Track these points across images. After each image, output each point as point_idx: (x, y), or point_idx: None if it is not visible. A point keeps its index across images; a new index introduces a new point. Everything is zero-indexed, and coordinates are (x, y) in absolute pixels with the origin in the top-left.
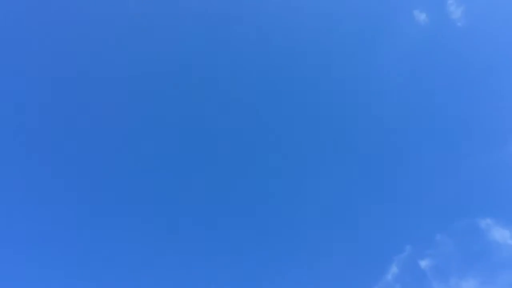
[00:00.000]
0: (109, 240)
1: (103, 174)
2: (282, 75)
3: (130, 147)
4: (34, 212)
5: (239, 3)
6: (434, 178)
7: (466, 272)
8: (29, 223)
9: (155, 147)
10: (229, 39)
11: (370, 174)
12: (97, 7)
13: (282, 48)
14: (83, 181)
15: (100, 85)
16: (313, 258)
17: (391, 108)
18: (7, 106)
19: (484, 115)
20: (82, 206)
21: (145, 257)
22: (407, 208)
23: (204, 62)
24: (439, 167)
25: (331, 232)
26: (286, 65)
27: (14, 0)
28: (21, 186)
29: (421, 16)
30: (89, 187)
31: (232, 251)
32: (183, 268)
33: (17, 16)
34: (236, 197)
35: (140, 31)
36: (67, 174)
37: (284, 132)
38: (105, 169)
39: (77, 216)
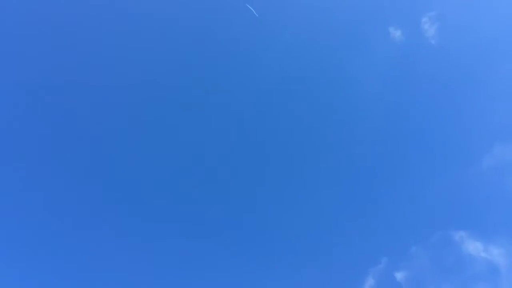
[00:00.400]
0: (109, 240)
1: (103, 174)
2: (263, 88)
3: (128, 147)
4: (34, 212)
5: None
6: (408, 192)
7: (441, 284)
8: (30, 223)
9: (155, 147)
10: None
11: (345, 190)
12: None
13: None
14: (83, 181)
15: (101, 85)
16: (290, 270)
17: (367, 123)
18: (7, 106)
19: (458, 131)
20: (83, 206)
21: (144, 257)
22: (382, 220)
23: (199, 63)
24: (413, 181)
25: (306, 245)
26: (265, 73)
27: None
28: (21, 186)
29: (397, 33)
30: (89, 187)
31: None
32: (184, 268)
33: (17, 16)
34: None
35: (140, 31)
36: (67, 174)
37: (266, 144)
38: (105, 169)
39: (78, 216)
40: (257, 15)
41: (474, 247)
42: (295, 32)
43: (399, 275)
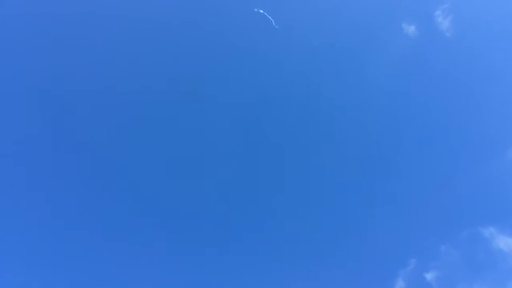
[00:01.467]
0: (109, 240)
1: (103, 174)
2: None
3: (127, 148)
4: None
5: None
6: (434, 189)
7: (473, 283)
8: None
9: (155, 147)
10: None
11: (371, 190)
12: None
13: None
14: (83, 181)
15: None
16: (318, 274)
17: (388, 119)
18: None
19: (480, 123)
20: (83, 206)
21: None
22: (409, 220)
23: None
24: (438, 177)
25: (335, 248)
26: (279, 72)
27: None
28: (21, 186)
29: (410, 29)
30: (89, 187)
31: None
32: (184, 268)
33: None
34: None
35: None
36: (66, 174)
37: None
38: (105, 169)
39: (78, 216)
40: (276, 26)
41: (504, 243)
42: (310, 31)
43: (429, 276)
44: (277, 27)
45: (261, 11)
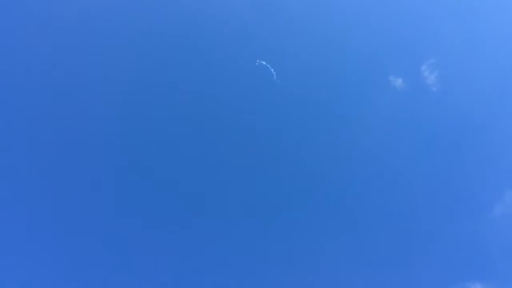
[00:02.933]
0: (109, 240)
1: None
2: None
3: (127, 148)
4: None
5: None
6: (421, 244)
7: None
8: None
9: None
10: None
11: (358, 246)
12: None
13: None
14: (84, 181)
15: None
16: None
17: (375, 173)
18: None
19: (467, 179)
20: (83, 206)
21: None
22: (398, 277)
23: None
24: (425, 232)
25: None
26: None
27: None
28: (20, 186)
29: (397, 82)
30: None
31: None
32: (184, 268)
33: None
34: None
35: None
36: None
37: None
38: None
39: (79, 216)
40: (275, 78)
41: None
42: (298, 84)
43: None
44: (278, 81)
45: (264, 63)
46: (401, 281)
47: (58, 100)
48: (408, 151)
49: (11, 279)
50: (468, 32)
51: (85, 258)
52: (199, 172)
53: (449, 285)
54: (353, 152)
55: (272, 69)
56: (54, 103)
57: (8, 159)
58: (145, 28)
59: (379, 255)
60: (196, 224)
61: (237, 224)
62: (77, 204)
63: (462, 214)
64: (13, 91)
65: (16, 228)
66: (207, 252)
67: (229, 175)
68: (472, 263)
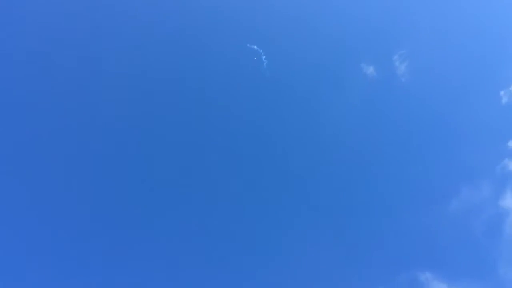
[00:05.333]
0: (109, 240)
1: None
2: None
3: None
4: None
5: None
6: (374, 233)
7: None
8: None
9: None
10: None
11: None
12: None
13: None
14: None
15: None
16: None
17: (339, 162)
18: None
19: (426, 170)
20: (84, 206)
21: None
22: (347, 260)
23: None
24: (380, 222)
25: None
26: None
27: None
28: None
29: (369, 69)
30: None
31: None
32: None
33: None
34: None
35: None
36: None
37: None
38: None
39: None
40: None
41: None
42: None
43: None
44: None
45: (255, 47)
46: (354, 268)
47: (58, 100)
48: (370, 139)
49: (11, 279)
50: (440, 26)
51: (85, 258)
52: (189, 165)
53: (401, 273)
54: (320, 136)
55: (263, 56)
56: (54, 103)
57: (8, 159)
58: (133, 17)
59: (335, 243)
60: (184, 221)
61: (224, 220)
62: (77, 204)
63: (419, 206)
64: (13, 91)
65: (16, 228)
66: (207, 252)
67: (215, 169)
68: (424, 253)
